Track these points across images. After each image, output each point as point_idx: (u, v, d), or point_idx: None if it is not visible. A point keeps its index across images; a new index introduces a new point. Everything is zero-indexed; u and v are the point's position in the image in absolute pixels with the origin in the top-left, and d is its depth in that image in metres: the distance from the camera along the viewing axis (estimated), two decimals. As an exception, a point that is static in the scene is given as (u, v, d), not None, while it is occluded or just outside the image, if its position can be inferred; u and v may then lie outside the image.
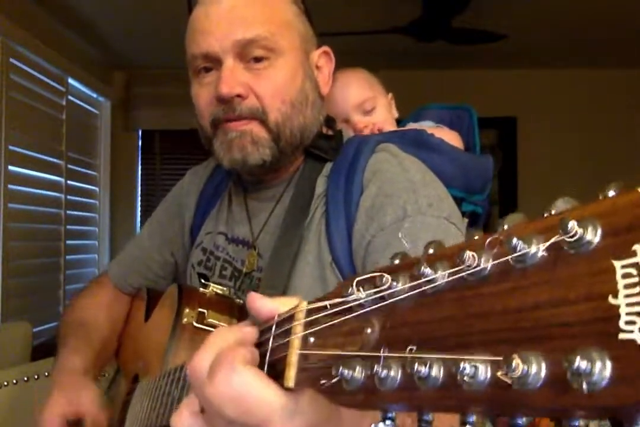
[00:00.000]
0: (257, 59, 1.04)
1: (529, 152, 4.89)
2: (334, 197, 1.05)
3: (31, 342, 2.74)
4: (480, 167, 1.51)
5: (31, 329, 2.75)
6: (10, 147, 3.15)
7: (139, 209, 4.93)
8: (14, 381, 1.99)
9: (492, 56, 4.43)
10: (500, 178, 4.88)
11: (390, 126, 1.66)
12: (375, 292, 0.40)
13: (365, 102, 1.63)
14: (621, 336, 0.27)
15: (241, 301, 1.11)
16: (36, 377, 2.01)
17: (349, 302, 0.43)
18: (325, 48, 1.17)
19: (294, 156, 1.13)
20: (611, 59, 4.59)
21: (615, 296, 0.27)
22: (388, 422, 0.38)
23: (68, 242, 3.85)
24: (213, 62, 1.06)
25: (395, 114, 1.74)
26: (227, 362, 0.52)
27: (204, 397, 0.52)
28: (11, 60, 3.18)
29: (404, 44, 3.83)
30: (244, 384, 0.50)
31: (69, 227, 3.86)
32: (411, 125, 1.66)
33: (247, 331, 0.57)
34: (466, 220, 1.44)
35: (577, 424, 0.29)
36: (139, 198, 4.95)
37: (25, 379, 2.00)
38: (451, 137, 1.52)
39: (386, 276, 0.39)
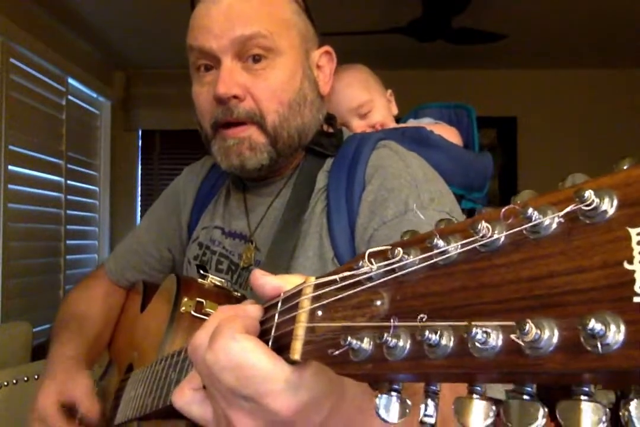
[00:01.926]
0: (256, 59, 1.04)
1: (529, 152, 4.90)
2: (336, 192, 1.05)
3: (31, 342, 2.74)
4: (480, 164, 1.52)
5: (31, 329, 2.76)
6: (10, 147, 3.15)
7: (139, 209, 4.94)
8: (14, 381, 2.00)
9: (492, 56, 4.44)
10: (500, 178, 4.89)
11: (390, 123, 1.67)
12: (386, 265, 0.40)
13: (360, 106, 1.64)
14: (636, 299, 0.27)
15: (239, 294, 1.11)
16: (36, 377, 2.00)
17: (358, 275, 0.43)
18: (327, 47, 1.17)
19: (292, 156, 1.13)
20: (611, 59, 4.60)
21: (631, 261, 0.28)
22: (394, 393, 0.38)
23: (68, 242, 3.85)
24: (212, 61, 1.06)
25: (395, 111, 1.75)
26: (227, 330, 0.52)
27: (205, 366, 0.52)
28: (11, 60, 3.18)
29: (404, 44, 3.84)
30: (244, 352, 0.50)
31: (69, 227, 3.86)
32: (411, 123, 1.66)
33: (250, 307, 0.58)
34: (465, 217, 1.45)
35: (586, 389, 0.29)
36: (139, 198, 4.96)
37: (25, 379, 2.00)
38: (450, 133, 1.53)
39: (398, 248, 0.40)
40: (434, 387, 0.37)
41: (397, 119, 1.76)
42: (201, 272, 1.15)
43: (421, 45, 3.78)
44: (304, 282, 0.50)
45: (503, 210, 0.34)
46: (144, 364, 1.07)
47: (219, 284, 1.11)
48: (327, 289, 0.46)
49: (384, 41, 3.81)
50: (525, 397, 0.32)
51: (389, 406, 0.39)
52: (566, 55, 4.53)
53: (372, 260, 0.42)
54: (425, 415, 0.37)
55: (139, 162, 4.98)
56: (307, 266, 1.04)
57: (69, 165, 3.86)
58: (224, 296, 1.09)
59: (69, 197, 3.85)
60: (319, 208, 1.07)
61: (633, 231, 0.28)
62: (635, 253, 0.28)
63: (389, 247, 0.40)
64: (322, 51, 1.16)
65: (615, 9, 3.64)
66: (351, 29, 3.55)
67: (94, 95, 4.38)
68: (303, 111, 1.09)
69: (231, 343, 0.51)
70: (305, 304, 0.48)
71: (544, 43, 4.27)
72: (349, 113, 1.63)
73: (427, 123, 1.62)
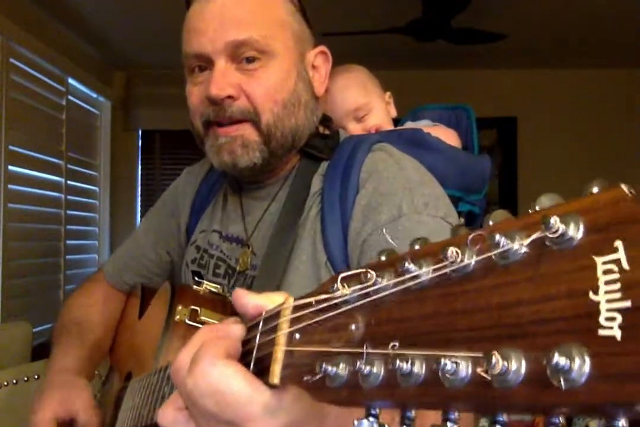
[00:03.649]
0: (250, 60, 1.04)
1: (529, 152, 4.89)
2: (330, 195, 1.05)
3: (31, 342, 2.74)
4: (478, 166, 1.51)
5: (31, 329, 2.76)
6: (10, 147, 3.14)
7: (139, 209, 4.93)
8: (14, 381, 1.99)
9: (492, 56, 4.43)
10: (500, 178, 4.88)
11: (388, 126, 1.66)
12: (360, 289, 0.40)
13: (357, 109, 1.62)
14: (601, 332, 0.27)
15: None
16: (36, 377, 2.00)
17: (334, 298, 0.42)
18: (322, 47, 1.16)
19: (286, 157, 1.12)
20: (611, 59, 4.59)
21: (596, 292, 0.27)
22: (371, 418, 0.38)
23: (68, 242, 3.85)
24: (206, 62, 1.05)
25: (394, 114, 1.73)
26: (208, 355, 0.52)
27: (185, 391, 0.52)
28: (11, 60, 3.17)
29: (404, 44, 3.83)
30: (223, 378, 0.50)
31: (69, 227, 3.86)
32: (409, 124, 1.65)
33: (233, 328, 0.57)
34: (462, 220, 1.44)
35: (557, 421, 0.28)
36: (139, 198, 4.95)
37: (25, 379, 2.00)
38: (448, 135, 1.52)
39: (371, 272, 0.39)
40: (410, 414, 0.36)
41: (396, 121, 1.75)
42: (196, 279, 1.15)
43: (421, 45, 3.77)
44: (283, 303, 0.50)
45: (470, 236, 0.34)
46: (142, 373, 1.07)
47: (214, 290, 1.11)
48: (305, 312, 0.46)
49: (384, 41, 3.80)
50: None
51: None
52: (566, 55, 4.52)
53: (345, 283, 0.41)
54: (400, 442, 0.36)
55: (139, 162, 4.98)
56: (301, 269, 1.04)
57: (69, 166, 3.86)
58: (219, 303, 1.09)
59: (69, 197, 3.85)
60: (314, 212, 1.07)
61: (599, 260, 0.28)
62: (600, 283, 0.27)
63: (362, 270, 0.40)
64: (317, 51, 1.15)
65: (615, 9, 3.63)
66: (351, 29, 3.55)
67: (94, 95, 4.38)
68: (297, 112, 1.09)
69: (210, 369, 0.50)
70: (284, 326, 0.48)
71: (544, 43, 4.26)
72: (345, 116, 1.62)
73: (424, 125, 1.60)
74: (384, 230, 0.96)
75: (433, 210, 0.98)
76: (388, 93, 1.75)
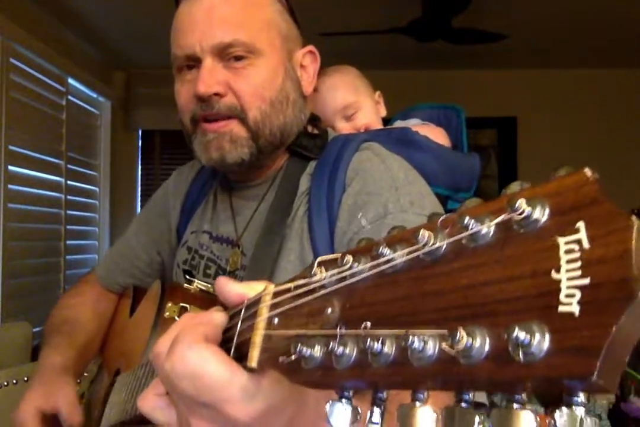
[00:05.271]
0: (237, 58, 1.05)
1: (529, 152, 4.89)
2: (317, 195, 1.05)
3: (31, 342, 2.75)
4: (466, 165, 1.51)
5: (31, 329, 2.77)
6: (10, 147, 3.15)
7: (139, 209, 4.92)
8: (14, 381, 2.00)
9: (492, 56, 4.43)
10: (500, 178, 4.88)
11: (377, 125, 1.66)
12: (338, 273, 0.41)
13: (346, 108, 1.63)
14: (560, 308, 0.27)
15: None
16: (36, 377, 2.01)
17: (312, 283, 0.43)
18: (310, 47, 1.17)
19: (275, 155, 1.13)
20: (611, 59, 4.59)
21: (558, 271, 0.28)
22: (344, 400, 0.39)
23: (68, 242, 3.85)
24: (194, 61, 1.06)
25: (383, 113, 1.73)
26: (186, 339, 0.52)
27: (164, 375, 0.53)
28: (11, 60, 3.18)
29: (404, 44, 3.83)
30: (200, 361, 0.50)
31: (69, 227, 3.86)
32: (398, 123, 1.66)
33: (214, 315, 0.58)
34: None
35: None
36: (139, 198, 4.96)
37: (25, 379, 2.00)
38: (437, 134, 1.52)
39: (348, 256, 0.40)
40: (381, 394, 0.37)
41: (387, 120, 1.75)
42: (187, 277, 1.16)
43: (421, 45, 3.77)
44: (264, 290, 0.51)
45: (440, 219, 0.35)
46: (130, 370, 1.08)
47: (204, 289, 1.12)
48: (284, 297, 0.47)
49: (384, 41, 3.81)
50: (463, 404, 0.32)
51: (338, 413, 0.39)
52: (566, 55, 4.52)
53: (324, 268, 0.42)
54: (371, 422, 0.37)
55: (139, 162, 4.99)
56: (290, 269, 1.04)
57: (69, 166, 3.86)
58: (209, 301, 1.09)
59: (69, 197, 3.86)
60: (301, 212, 1.07)
61: (562, 240, 0.29)
62: (562, 262, 0.28)
63: (339, 255, 0.41)
64: (305, 51, 1.16)
65: (615, 9, 3.63)
66: (351, 29, 3.55)
67: (94, 95, 4.39)
68: (285, 110, 1.09)
69: (187, 352, 0.51)
70: (264, 311, 0.49)
71: (544, 43, 4.27)
72: (334, 115, 1.63)
73: (413, 124, 1.61)
74: (359, 215, 0.96)
75: (419, 209, 0.99)
76: (378, 92, 1.75)
